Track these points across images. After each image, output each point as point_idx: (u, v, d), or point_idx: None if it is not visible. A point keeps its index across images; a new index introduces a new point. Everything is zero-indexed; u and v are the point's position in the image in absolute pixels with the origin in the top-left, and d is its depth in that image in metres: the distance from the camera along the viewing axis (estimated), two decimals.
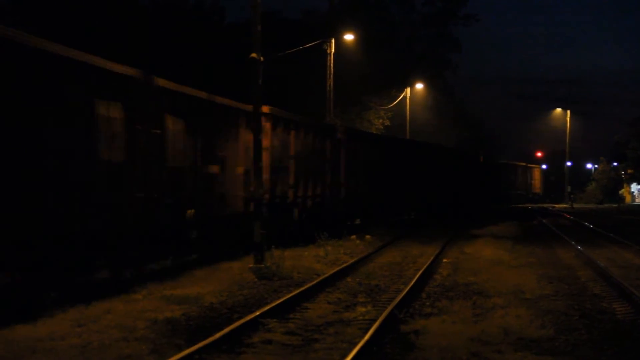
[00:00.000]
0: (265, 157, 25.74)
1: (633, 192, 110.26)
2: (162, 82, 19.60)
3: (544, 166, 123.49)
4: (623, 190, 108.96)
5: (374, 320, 14.19)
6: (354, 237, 31.92)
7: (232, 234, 24.22)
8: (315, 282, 18.99)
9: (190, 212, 21.09)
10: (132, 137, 17.94)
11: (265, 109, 25.80)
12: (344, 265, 22.86)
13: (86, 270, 17.37)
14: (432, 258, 24.79)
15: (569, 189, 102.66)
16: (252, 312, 14.97)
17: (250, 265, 20.90)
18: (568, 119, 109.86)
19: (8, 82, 13.99)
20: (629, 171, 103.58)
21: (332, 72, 48.50)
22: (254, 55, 22.03)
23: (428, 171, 51.34)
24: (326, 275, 20.38)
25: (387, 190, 43.27)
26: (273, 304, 15.59)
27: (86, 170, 16.22)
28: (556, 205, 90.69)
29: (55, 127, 15.22)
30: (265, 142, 25.81)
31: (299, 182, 29.95)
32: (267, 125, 26.34)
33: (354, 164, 37.21)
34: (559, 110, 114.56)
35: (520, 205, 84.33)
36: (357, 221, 39.15)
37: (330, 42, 48.90)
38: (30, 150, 14.56)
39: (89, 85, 16.37)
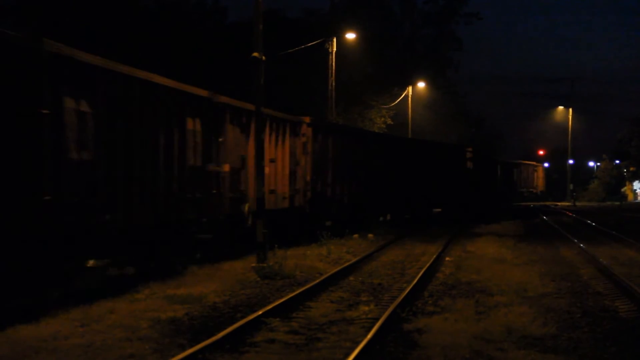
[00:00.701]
0: (309, 159, 30.62)
1: (635, 189, 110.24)
2: (222, 98, 23.25)
3: (545, 164, 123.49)
4: (625, 188, 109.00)
5: (377, 319, 14.20)
6: (356, 235, 31.96)
7: (278, 226, 26.46)
8: (318, 281, 19.01)
9: (246, 205, 24.43)
10: (206, 145, 21.90)
11: (307, 119, 30.76)
12: (347, 264, 22.88)
13: (179, 252, 21.11)
14: (434, 256, 24.79)
15: (571, 186, 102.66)
16: (255, 311, 14.99)
17: (253, 265, 20.93)
18: (570, 117, 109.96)
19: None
20: (632, 169, 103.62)
21: (334, 71, 48.55)
22: (255, 54, 22.06)
23: (440, 170, 51.76)
24: (329, 274, 20.39)
25: (410, 189, 44.91)
26: (276, 303, 15.61)
27: (181, 172, 20.21)
28: (558, 203, 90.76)
29: (165, 140, 19.40)
30: (309, 147, 30.57)
31: (336, 181, 33.80)
32: (309, 131, 30.63)
33: (382, 164, 40.28)
34: (561, 108, 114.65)
35: (522, 204, 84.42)
36: (388, 217, 42.60)
37: (332, 41, 48.92)
38: (155, 157, 18.93)
39: (183, 106, 20.45)
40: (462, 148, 59.90)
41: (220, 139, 22.79)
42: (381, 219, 40.91)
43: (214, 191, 22.28)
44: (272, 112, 27.09)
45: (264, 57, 22.32)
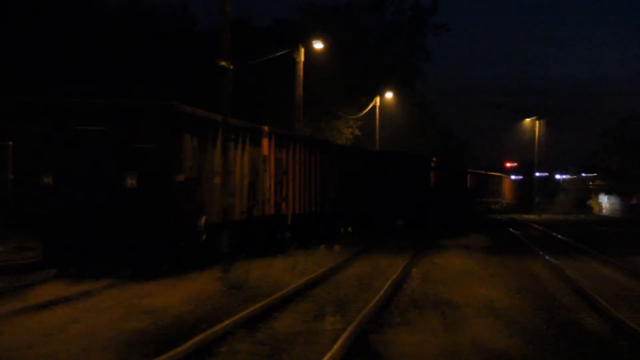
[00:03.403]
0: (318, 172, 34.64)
1: (601, 202, 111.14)
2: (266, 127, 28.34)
3: (512, 177, 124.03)
4: (591, 200, 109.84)
5: (343, 330, 14.13)
6: (322, 247, 31.89)
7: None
8: (284, 292, 18.91)
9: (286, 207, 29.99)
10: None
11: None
12: (313, 275, 22.78)
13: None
14: (401, 269, 24.77)
15: (537, 199, 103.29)
16: (220, 321, 14.87)
17: (219, 275, 20.80)
18: (537, 130, 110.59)
19: None
20: (597, 182, 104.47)
21: (301, 81, 48.44)
22: (223, 63, 21.96)
23: (405, 181, 52.02)
24: (295, 285, 20.29)
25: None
26: (242, 314, 15.50)
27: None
28: (524, 216, 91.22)
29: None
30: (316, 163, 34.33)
31: (344, 194, 38.75)
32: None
33: (379, 180, 44.43)
34: (528, 120, 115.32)
35: (490, 216, 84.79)
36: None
37: (300, 51, 48.85)
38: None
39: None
40: (428, 158, 60.01)
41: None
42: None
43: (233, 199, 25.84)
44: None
45: (231, 66, 22.23)
